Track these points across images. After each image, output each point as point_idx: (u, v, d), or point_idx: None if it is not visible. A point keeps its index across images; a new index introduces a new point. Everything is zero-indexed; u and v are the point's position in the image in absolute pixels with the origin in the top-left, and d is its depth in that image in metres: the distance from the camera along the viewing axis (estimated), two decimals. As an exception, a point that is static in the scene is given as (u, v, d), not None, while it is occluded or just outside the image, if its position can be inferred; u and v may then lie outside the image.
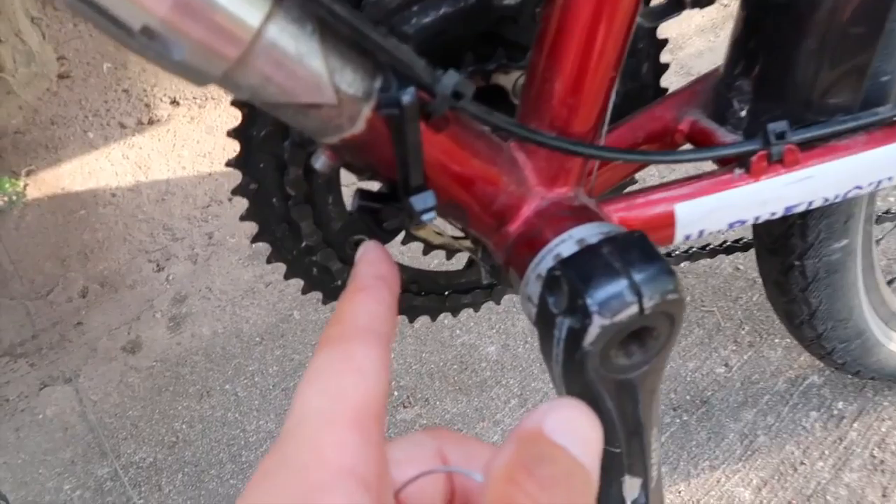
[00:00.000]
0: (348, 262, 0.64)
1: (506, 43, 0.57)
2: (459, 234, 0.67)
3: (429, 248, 0.66)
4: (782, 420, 1.13)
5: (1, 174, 1.61)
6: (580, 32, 0.43)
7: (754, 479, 1.04)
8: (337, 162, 0.43)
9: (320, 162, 0.43)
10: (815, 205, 0.57)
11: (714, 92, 0.63)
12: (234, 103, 0.51)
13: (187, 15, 0.29)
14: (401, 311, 0.73)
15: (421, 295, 0.70)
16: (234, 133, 0.52)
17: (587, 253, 0.42)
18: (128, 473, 1.08)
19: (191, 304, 1.30)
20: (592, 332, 0.40)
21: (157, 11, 0.29)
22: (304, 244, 0.62)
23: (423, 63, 0.37)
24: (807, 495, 1.03)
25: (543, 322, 0.44)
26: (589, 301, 0.39)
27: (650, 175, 1.32)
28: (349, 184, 0.56)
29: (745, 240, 0.91)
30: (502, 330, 1.22)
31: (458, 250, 0.68)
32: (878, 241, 0.86)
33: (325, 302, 0.69)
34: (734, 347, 1.21)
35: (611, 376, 0.44)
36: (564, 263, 0.42)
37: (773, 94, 0.58)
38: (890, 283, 0.95)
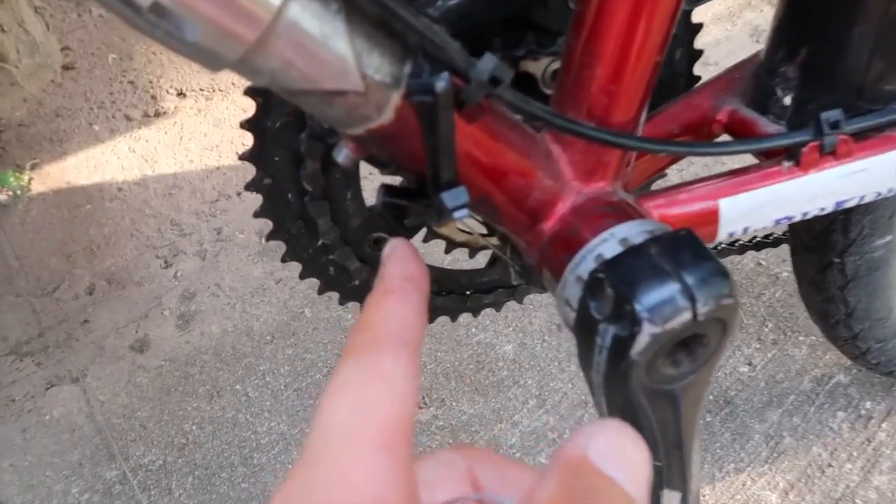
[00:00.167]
0: (367, 262, 0.61)
1: (535, 27, 0.53)
2: (485, 230, 0.64)
3: (451, 245, 0.62)
4: (809, 421, 1.09)
5: (5, 168, 1.58)
6: (624, 12, 0.40)
7: (780, 482, 1.01)
8: (361, 154, 0.40)
9: (343, 155, 0.39)
10: (867, 199, 0.54)
11: (754, 79, 0.59)
12: (248, 92, 0.47)
13: (201, -9, 0.26)
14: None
15: (442, 295, 0.67)
16: (247, 124, 0.49)
17: (633, 254, 0.39)
18: (137, 476, 1.06)
19: (199, 302, 1.28)
20: (641, 340, 0.37)
21: (168, -13, 0.25)
22: (320, 242, 0.58)
23: (458, 46, 0.34)
24: (835, 499, 1.00)
25: (584, 328, 0.41)
26: (637, 307, 0.36)
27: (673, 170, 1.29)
28: (366, 174, 0.53)
29: (775, 235, 0.87)
30: (519, 328, 1.19)
31: (484, 248, 0.64)
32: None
33: (341, 302, 0.66)
34: (758, 346, 1.17)
35: (655, 387, 0.41)
36: (608, 265, 0.39)
37: (822, 81, 0.54)
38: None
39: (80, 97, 1.72)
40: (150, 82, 1.72)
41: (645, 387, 0.39)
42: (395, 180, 0.54)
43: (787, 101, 0.57)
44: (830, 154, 0.51)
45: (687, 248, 0.38)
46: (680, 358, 0.40)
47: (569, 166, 0.45)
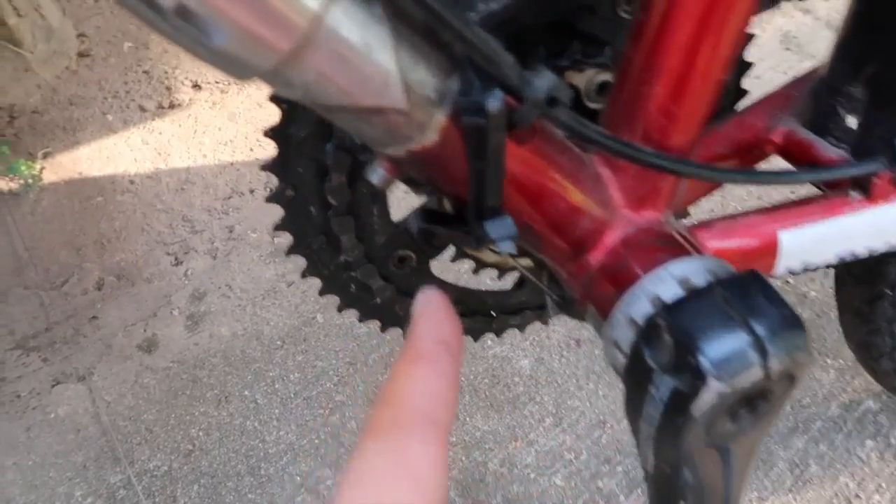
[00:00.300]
0: (390, 280, 0.57)
1: (581, 35, 0.49)
2: (518, 254, 0.60)
3: (480, 266, 0.59)
4: (836, 449, 1.05)
5: (17, 156, 1.56)
6: (691, 23, 0.35)
7: (808, 514, 0.97)
8: (396, 175, 0.36)
9: (377, 175, 0.35)
10: (940, 236, 0.49)
11: (813, 98, 0.55)
12: (274, 98, 0.44)
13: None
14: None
15: (467, 316, 0.63)
16: (270, 133, 0.45)
17: (697, 298, 0.35)
18: (142, 482, 1.03)
19: (209, 302, 1.24)
20: (706, 398, 0.33)
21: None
22: (342, 259, 0.55)
23: (512, 60, 0.30)
24: (864, 534, 0.95)
25: (635, 375, 0.37)
26: (703, 361, 0.32)
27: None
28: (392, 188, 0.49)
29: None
30: (537, 342, 1.15)
31: (514, 270, 0.61)
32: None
33: (361, 320, 0.62)
34: (786, 369, 1.12)
35: (710, 442, 0.37)
36: (668, 310, 0.35)
37: (894, 103, 0.50)
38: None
39: (94, 86, 1.69)
40: (166, 73, 1.69)
41: (699, 442, 0.36)
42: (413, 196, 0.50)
43: (851, 123, 0.53)
44: (905, 185, 0.46)
45: (757, 294, 0.34)
46: (740, 412, 0.37)
47: (619, 192, 0.41)
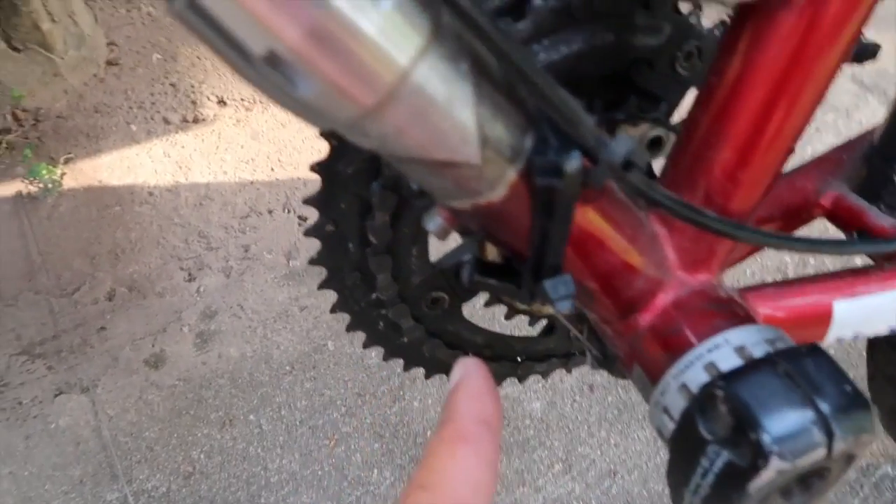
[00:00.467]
0: (421, 321, 0.56)
1: (637, 90, 0.49)
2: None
3: (513, 312, 0.57)
4: (853, 515, 1.02)
5: (39, 159, 1.56)
6: (767, 91, 0.35)
7: (824, 585, 0.93)
8: (454, 226, 0.35)
9: (434, 224, 0.35)
10: None
11: (865, 163, 0.54)
12: (324, 134, 0.43)
13: (325, 46, 0.22)
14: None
15: (493, 360, 0.62)
16: (317, 167, 0.45)
17: (757, 370, 0.34)
18: (139, 501, 1.01)
19: (220, 321, 1.23)
20: (766, 475, 0.32)
21: (289, 37, 0.21)
22: (374, 296, 0.54)
23: (592, 122, 0.29)
24: None
25: (685, 444, 0.36)
26: (765, 437, 0.31)
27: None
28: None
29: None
30: (549, 385, 1.13)
31: (550, 319, 0.59)
32: None
33: (385, 358, 0.61)
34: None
35: (761, 520, 0.35)
36: (728, 381, 0.33)
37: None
38: None
39: (120, 94, 1.70)
40: (192, 87, 1.70)
41: (751, 520, 0.34)
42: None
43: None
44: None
45: (820, 368, 0.33)
46: (793, 490, 0.35)
47: (674, 253, 0.40)
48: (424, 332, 0.57)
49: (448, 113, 0.26)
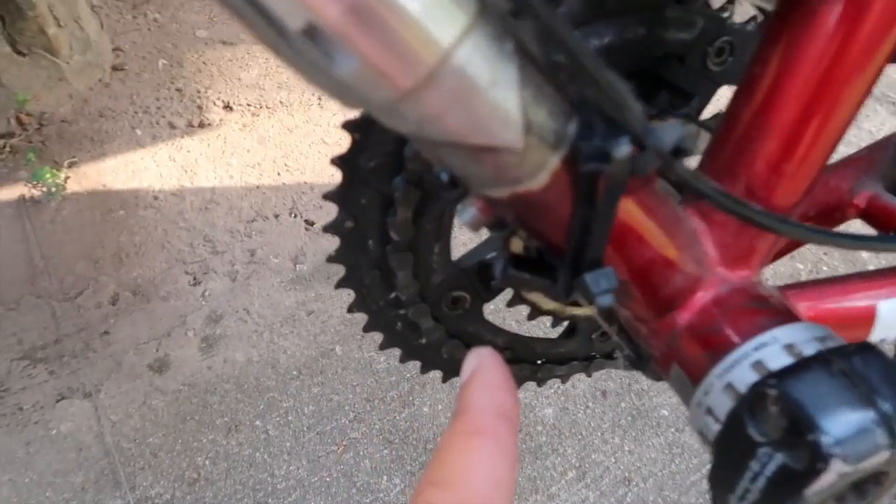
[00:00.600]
0: (440, 321, 0.54)
1: (666, 86, 0.48)
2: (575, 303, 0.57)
3: (536, 313, 0.56)
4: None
5: (42, 163, 1.55)
6: (815, 80, 0.33)
7: None
8: (489, 217, 0.33)
9: (469, 215, 0.33)
10: None
11: (897, 162, 0.53)
12: (346, 126, 0.42)
13: (366, 22, 0.20)
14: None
15: (512, 363, 0.60)
16: (338, 161, 0.43)
17: (811, 369, 0.32)
18: (141, 510, 0.98)
19: (226, 326, 1.21)
20: (826, 479, 0.30)
21: (329, 11, 0.20)
22: (393, 295, 0.52)
23: (641, 107, 0.28)
24: None
25: (732, 446, 0.34)
26: (826, 440, 0.30)
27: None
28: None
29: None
30: (562, 391, 1.11)
31: (572, 321, 0.58)
32: None
33: (403, 361, 0.59)
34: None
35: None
36: (781, 380, 0.32)
37: None
38: None
39: (125, 99, 1.69)
40: (198, 92, 1.69)
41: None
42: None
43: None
44: None
45: (877, 367, 0.32)
46: (847, 496, 0.33)
47: (715, 249, 0.38)
48: (444, 332, 0.55)
49: (491, 96, 0.25)
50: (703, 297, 0.38)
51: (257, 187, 1.47)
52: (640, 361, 0.43)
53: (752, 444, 0.32)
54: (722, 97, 0.42)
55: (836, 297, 0.42)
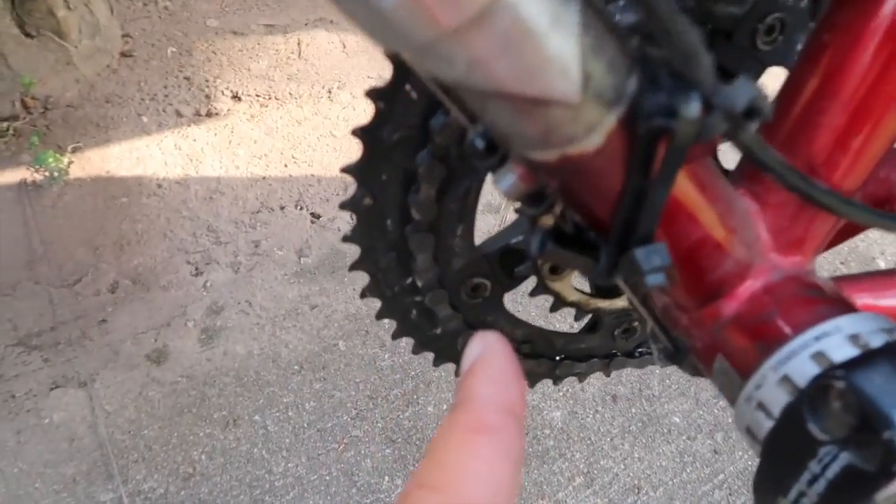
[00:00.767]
0: (458, 309, 0.51)
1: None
2: (602, 293, 0.54)
3: (560, 304, 0.53)
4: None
5: (46, 147, 1.53)
6: (890, 52, 0.31)
7: None
8: (530, 185, 0.30)
9: (507, 182, 0.30)
10: None
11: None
12: (371, 94, 0.39)
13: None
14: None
15: (531, 358, 0.57)
16: (359, 131, 0.40)
17: (883, 360, 0.29)
18: (134, 503, 0.95)
19: (227, 317, 1.18)
20: (902, 481, 0.27)
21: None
22: (409, 280, 0.49)
23: (711, 61, 0.25)
24: None
25: (788, 446, 0.31)
26: (906, 439, 0.26)
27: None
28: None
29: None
30: (570, 394, 1.08)
31: (599, 313, 0.55)
32: None
33: (415, 351, 0.56)
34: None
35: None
36: (849, 372, 0.29)
37: None
38: None
39: (133, 86, 1.67)
40: (207, 81, 1.67)
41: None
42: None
43: None
44: None
45: (952, 361, 0.28)
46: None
47: (768, 233, 0.35)
48: (461, 322, 0.52)
49: (548, 41, 0.22)
50: (752, 284, 0.35)
51: (263, 178, 1.44)
52: (677, 354, 0.40)
53: (812, 442, 0.29)
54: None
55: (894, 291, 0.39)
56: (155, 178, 1.47)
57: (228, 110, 1.60)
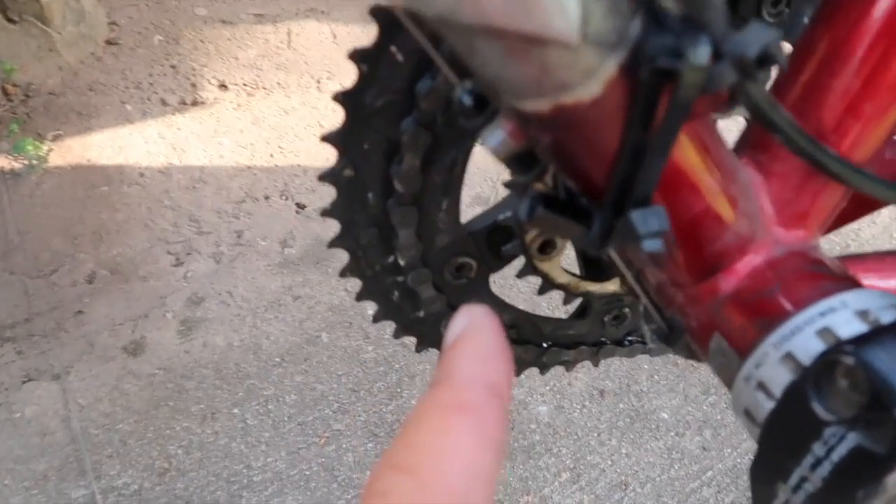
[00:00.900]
0: (442, 290, 0.49)
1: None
2: (595, 272, 0.52)
3: (548, 286, 0.51)
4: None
5: (25, 135, 1.49)
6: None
7: None
8: (520, 144, 0.28)
9: (496, 138, 0.28)
10: None
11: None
12: (355, 56, 0.37)
13: None
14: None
15: (518, 344, 0.55)
16: (341, 96, 0.38)
17: (893, 337, 0.27)
18: (107, 499, 0.92)
19: (207, 309, 1.15)
20: (915, 465, 0.25)
21: None
22: (392, 259, 0.47)
23: (724, 4, 0.23)
24: None
25: (790, 428, 0.30)
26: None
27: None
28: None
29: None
30: (557, 389, 1.06)
31: (588, 297, 0.53)
32: None
33: (397, 335, 0.54)
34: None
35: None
36: (859, 347, 0.27)
37: None
38: None
39: (117, 74, 1.63)
40: (193, 70, 1.64)
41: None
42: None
43: None
44: None
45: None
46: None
47: (771, 206, 0.34)
48: (445, 304, 0.50)
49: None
50: (754, 258, 0.33)
51: (248, 168, 1.41)
52: (671, 335, 0.38)
53: (816, 422, 0.27)
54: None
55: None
56: (137, 167, 1.43)
57: (215, 99, 1.57)
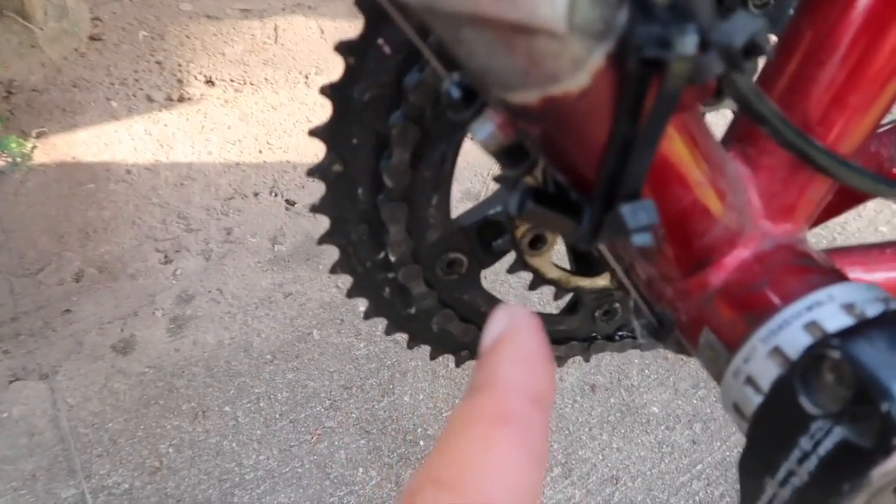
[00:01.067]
0: (433, 287, 0.49)
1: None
2: (584, 268, 0.52)
3: (539, 281, 0.51)
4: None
5: (9, 132, 1.46)
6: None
7: None
8: (508, 137, 0.28)
9: (485, 131, 0.28)
10: None
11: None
12: (341, 48, 0.36)
13: None
14: (472, 356, 0.58)
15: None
16: (329, 89, 0.38)
17: (880, 330, 0.28)
18: (97, 499, 0.91)
19: (196, 306, 1.14)
20: (899, 458, 0.25)
21: None
22: (382, 255, 0.47)
23: (711, -4, 0.23)
24: None
25: (777, 422, 0.30)
26: (904, 413, 0.25)
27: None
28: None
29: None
30: (550, 383, 1.06)
31: (576, 293, 0.53)
32: None
33: (388, 332, 0.54)
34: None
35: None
36: (845, 341, 0.27)
37: None
38: None
39: (102, 70, 1.61)
40: (179, 65, 1.62)
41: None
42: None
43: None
44: None
45: (950, 332, 0.27)
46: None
47: (759, 199, 0.34)
48: (436, 300, 0.50)
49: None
50: (742, 252, 0.33)
51: (237, 164, 1.40)
52: (661, 329, 0.39)
53: (804, 416, 0.27)
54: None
55: (887, 263, 0.38)
56: (124, 164, 1.42)
57: (202, 95, 1.55)
